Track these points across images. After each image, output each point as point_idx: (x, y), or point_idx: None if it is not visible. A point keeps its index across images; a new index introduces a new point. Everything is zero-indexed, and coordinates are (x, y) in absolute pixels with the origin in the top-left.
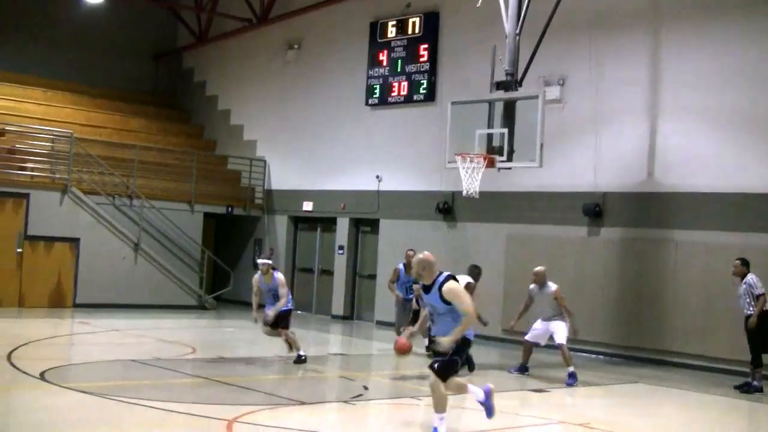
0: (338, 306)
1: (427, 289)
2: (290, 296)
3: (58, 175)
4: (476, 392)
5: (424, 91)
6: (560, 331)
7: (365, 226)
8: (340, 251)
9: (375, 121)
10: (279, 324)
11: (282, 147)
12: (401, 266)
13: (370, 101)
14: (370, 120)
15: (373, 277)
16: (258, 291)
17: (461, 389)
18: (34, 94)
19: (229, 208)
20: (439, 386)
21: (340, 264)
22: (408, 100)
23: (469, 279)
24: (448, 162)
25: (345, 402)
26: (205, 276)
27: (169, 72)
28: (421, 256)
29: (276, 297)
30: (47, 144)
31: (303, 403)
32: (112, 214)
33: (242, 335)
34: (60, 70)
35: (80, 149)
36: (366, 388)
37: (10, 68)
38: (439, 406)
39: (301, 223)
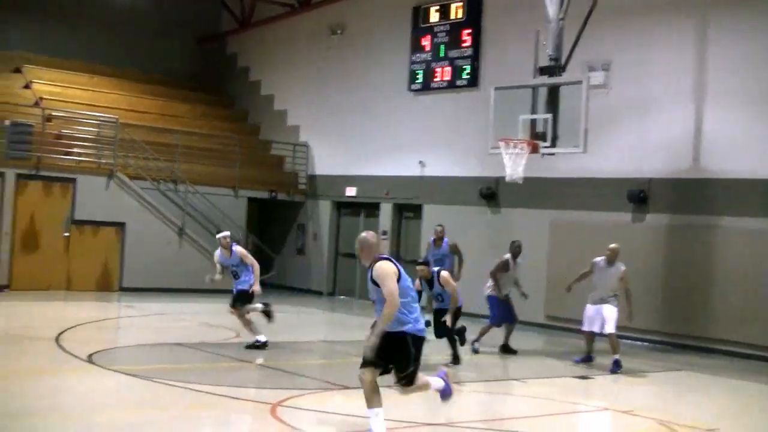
0: None
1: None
2: (250, 275)
3: (103, 160)
4: (435, 383)
5: (467, 77)
6: (611, 320)
7: (408, 212)
8: (384, 236)
9: (418, 106)
10: (235, 302)
11: (325, 132)
12: (431, 240)
13: (412, 87)
14: (413, 105)
15: (416, 262)
16: (221, 267)
17: (423, 387)
18: (79, 80)
19: (273, 193)
20: (413, 389)
21: (384, 249)
22: (451, 85)
23: (507, 256)
24: (492, 148)
25: (388, 387)
26: None
27: (213, 57)
28: (362, 234)
29: (236, 274)
30: (93, 129)
31: (347, 388)
32: (157, 198)
33: (286, 320)
34: (105, 56)
35: (125, 134)
36: None
37: (56, 54)
38: (373, 400)
39: (344, 208)
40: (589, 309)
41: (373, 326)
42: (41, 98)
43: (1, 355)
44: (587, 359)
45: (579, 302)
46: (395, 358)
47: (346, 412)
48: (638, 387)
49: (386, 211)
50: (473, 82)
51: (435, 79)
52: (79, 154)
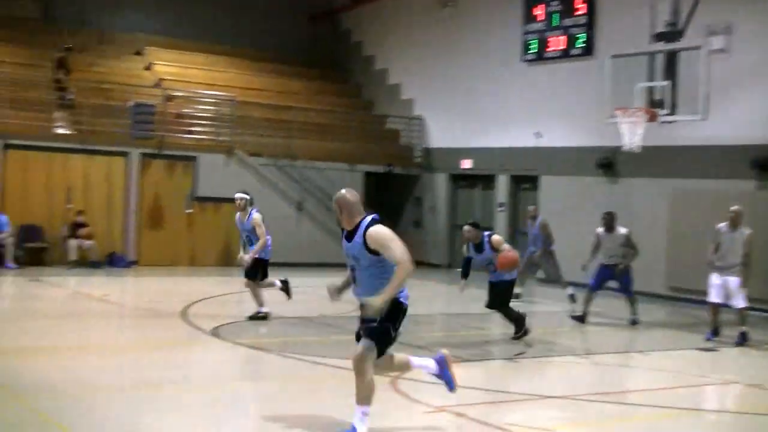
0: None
1: (349, 236)
2: (269, 244)
3: (222, 138)
4: (426, 365)
5: (582, 45)
6: (739, 294)
7: (525, 183)
8: (501, 208)
9: (532, 76)
10: (249, 273)
11: (439, 105)
12: (529, 220)
13: (526, 57)
14: (527, 76)
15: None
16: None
17: (404, 366)
18: (197, 60)
19: (390, 167)
20: (366, 365)
21: (500, 221)
22: (565, 54)
23: (625, 229)
24: (609, 117)
25: (508, 359)
26: None
27: (326, 34)
28: (342, 191)
29: (251, 240)
30: (211, 108)
31: (467, 361)
32: (275, 175)
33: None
34: (221, 36)
35: (242, 112)
36: (529, 345)
37: (174, 35)
38: (364, 396)
39: (460, 180)
40: (715, 278)
41: (362, 308)
42: (161, 79)
43: (132, 328)
44: (715, 333)
45: (703, 273)
46: (384, 327)
47: (468, 384)
48: (766, 360)
49: (503, 183)
50: (588, 50)
51: (549, 49)
52: (199, 133)
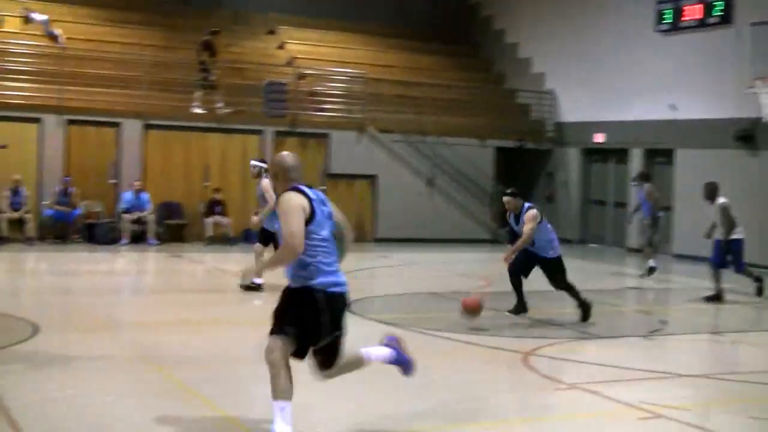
0: (633, 238)
1: None
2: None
3: (354, 115)
4: (378, 354)
5: (719, 14)
6: None
7: (659, 157)
8: (634, 183)
9: (666, 47)
10: (262, 240)
11: (571, 78)
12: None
13: (660, 27)
14: (661, 46)
15: (668, 209)
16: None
17: (358, 363)
18: (328, 38)
19: (521, 143)
20: (277, 358)
21: (635, 196)
22: (701, 23)
23: (723, 200)
24: (748, 87)
25: (642, 336)
26: (497, 210)
27: (456, 8)
28: (281, 153)
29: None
30: (343, 85)
31: (599, 337)
32: (406, 151)
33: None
34: (351, 13)
35: (373, 89)
36: (664, 322)
37: (306, 13)
38: (281, 390)
39: (593, 155)
40: None
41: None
42: (294, 58)
43: (268, 303)
44: None
45: None
46: (307, 326)
47: (601, 361)
48: None
49: (636, 156)
50: (726, 18)
51: (684, 18)
52: (331, 110)
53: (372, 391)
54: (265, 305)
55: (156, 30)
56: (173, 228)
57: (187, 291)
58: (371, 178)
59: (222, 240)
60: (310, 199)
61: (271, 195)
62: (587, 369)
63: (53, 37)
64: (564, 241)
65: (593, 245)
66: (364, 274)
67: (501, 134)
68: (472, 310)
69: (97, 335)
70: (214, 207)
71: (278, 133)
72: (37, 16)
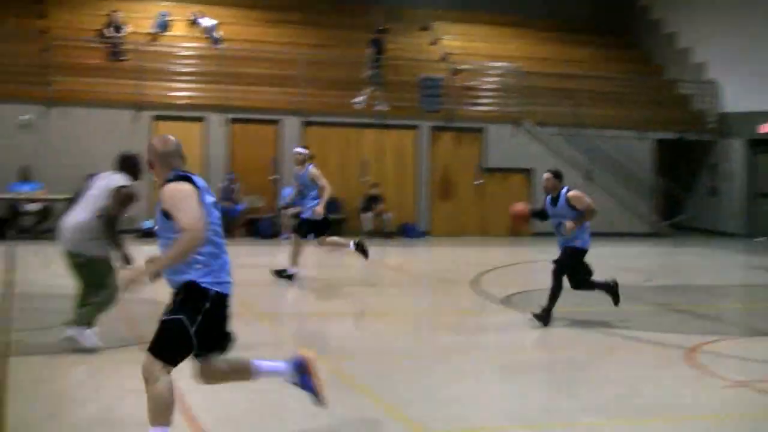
0: None
1: None
2: (315, 200)
3: (509, 109)
4: (277, 370)
5: None
6: None
7: None
8: None
9: None
10: (304, 231)
11: (736, 67)
12: None
13: None
14: None
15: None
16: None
17: (242, 373)
18: (481, 33)
19: (681, 135)
20: (156, 373)
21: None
22: None
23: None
24: None
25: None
26: (657, 203)
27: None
28: (153, 138)
29: (303, 195)
30: (497, 79)
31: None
32: (562, 144)
33: (701, 262)
34: (504, 7)
35: (528, 82)
36: None
37: (459, 8)
38: (159, 414)
39: (760, 145)
40: None
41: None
42: (448, 53)
43: (426, 296)
44: None
45: None
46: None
47: None
48: None
49: None
50: None
51: None
52: (486, 104)
53: (536, 383)
54: (418, 298)
55: (311, 29)
56: (333, 223)
57: (347, 284)
58: (527, 172)
59: (380, 234)
60: (198, 188)
61: (324, 181)
62: (759, 367)
63: (214, 41)
64: (727, 235)
65: (761, 239)
66: (521, 267)
67: (660, 126)
68: (521, 218)
69: (264, 325)
70: (372, 202)
71: (434, 128)
72: (205, 21)
